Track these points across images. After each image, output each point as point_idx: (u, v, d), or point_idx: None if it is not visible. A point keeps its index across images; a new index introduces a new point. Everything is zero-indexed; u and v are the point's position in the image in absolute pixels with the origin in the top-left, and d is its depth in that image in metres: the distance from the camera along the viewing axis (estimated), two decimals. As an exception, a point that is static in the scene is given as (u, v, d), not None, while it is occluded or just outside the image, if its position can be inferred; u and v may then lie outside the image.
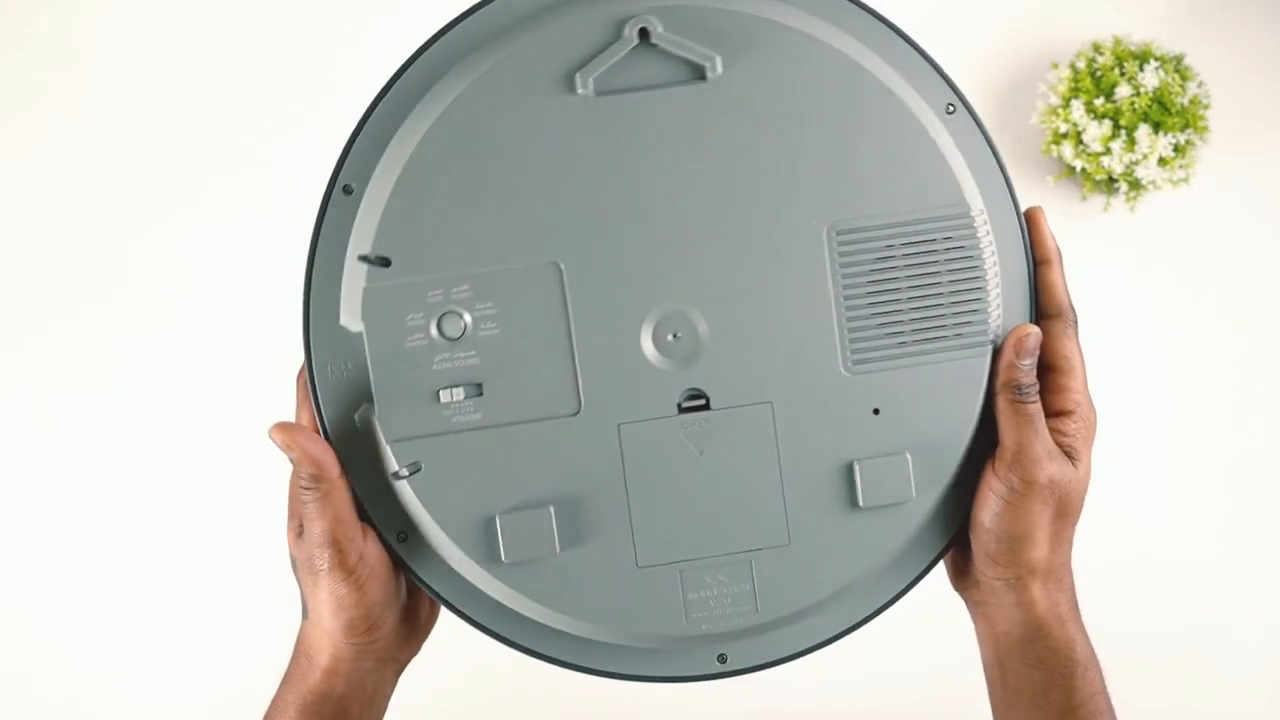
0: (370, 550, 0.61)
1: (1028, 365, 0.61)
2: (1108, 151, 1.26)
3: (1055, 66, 1.33)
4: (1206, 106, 1.28)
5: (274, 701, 0.64)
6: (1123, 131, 1.26)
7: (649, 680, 0.64)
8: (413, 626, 0.67)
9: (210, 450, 1.27)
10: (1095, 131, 1.25)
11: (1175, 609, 1.32)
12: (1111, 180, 1.31)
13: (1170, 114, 1.25)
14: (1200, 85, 1.29)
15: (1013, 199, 0.63)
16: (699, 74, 0.62)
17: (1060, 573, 0.64)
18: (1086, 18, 1.34)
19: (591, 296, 0.61)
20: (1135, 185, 1.29)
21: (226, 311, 1.27)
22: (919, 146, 0.62)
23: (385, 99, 0.62)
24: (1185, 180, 1.28)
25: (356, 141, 0.62)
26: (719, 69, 0.61)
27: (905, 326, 0.62)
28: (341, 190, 0.62)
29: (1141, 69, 1.27)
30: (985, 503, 0.62)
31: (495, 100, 0.61)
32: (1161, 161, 1.26)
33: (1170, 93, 1.25)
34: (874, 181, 0.62)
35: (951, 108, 0.63)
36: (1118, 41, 1.30)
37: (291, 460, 0.59)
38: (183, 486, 1.28)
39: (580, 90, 0.61)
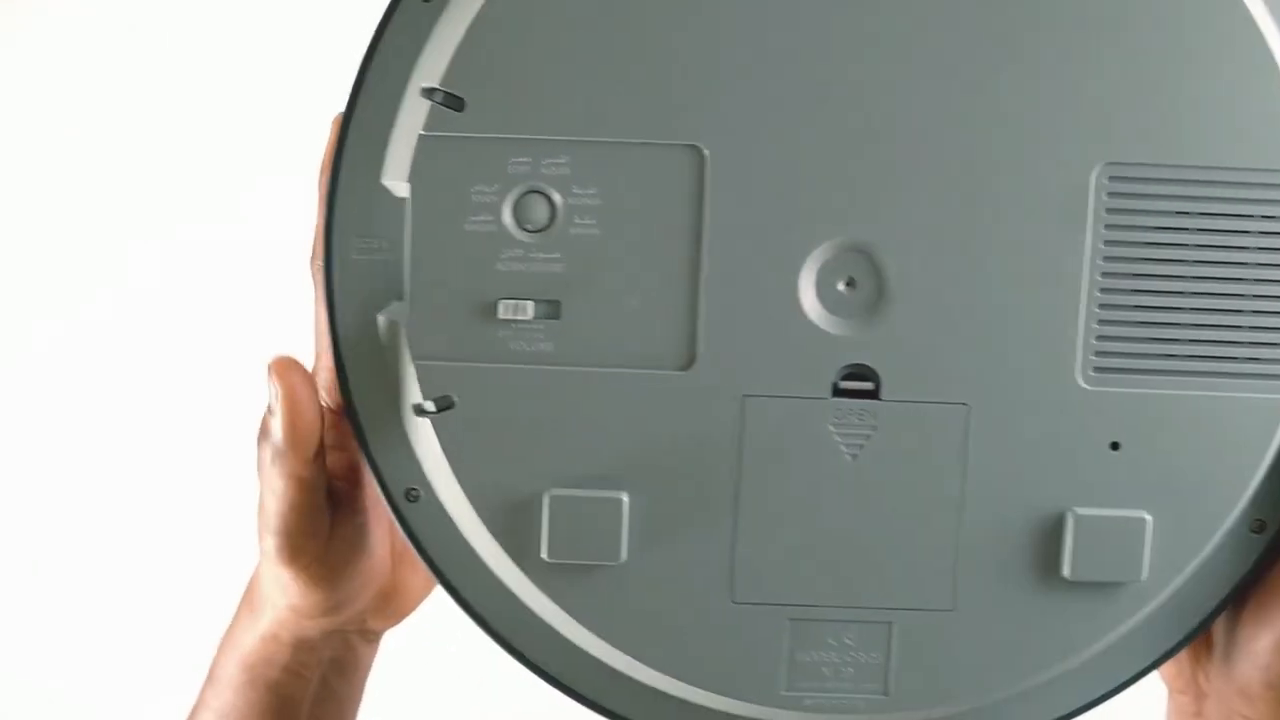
0: (340, 542, 0.51)
1: None
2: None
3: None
4: None
5: (215, 660, 0.55)
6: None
7: None
8: (399, 601, 0.55)
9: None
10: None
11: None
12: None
13: None
14: None
15: None
16: None
17: None
18: None
19: (741, 203, 0.47)
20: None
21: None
22: (1262, 80, 0.46)
23: None
24: None
25: None
26: None
27: (1180, 333, 0.48)
28: None
29: None
30: (1271, 621, 0.48)
31: None
32: None
33: None
34: (1183, 115, 0.46)
35: None
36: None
37: (270, 404, 0.48)
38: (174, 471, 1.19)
39: None
